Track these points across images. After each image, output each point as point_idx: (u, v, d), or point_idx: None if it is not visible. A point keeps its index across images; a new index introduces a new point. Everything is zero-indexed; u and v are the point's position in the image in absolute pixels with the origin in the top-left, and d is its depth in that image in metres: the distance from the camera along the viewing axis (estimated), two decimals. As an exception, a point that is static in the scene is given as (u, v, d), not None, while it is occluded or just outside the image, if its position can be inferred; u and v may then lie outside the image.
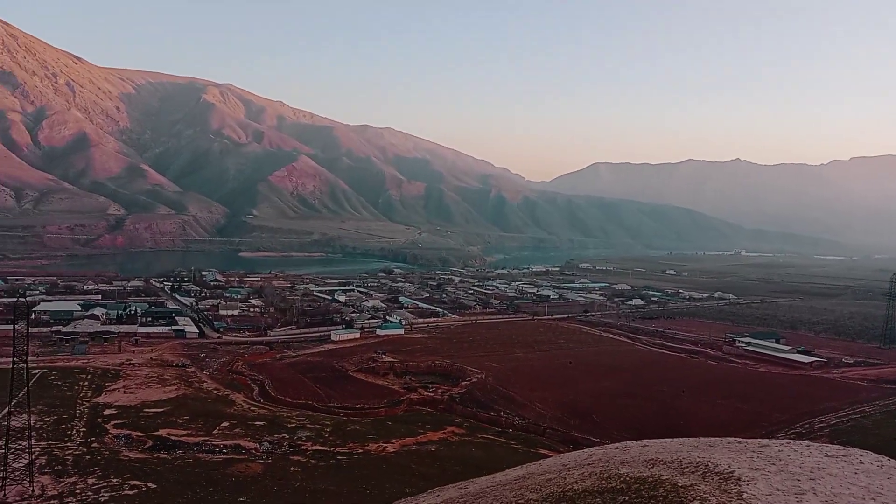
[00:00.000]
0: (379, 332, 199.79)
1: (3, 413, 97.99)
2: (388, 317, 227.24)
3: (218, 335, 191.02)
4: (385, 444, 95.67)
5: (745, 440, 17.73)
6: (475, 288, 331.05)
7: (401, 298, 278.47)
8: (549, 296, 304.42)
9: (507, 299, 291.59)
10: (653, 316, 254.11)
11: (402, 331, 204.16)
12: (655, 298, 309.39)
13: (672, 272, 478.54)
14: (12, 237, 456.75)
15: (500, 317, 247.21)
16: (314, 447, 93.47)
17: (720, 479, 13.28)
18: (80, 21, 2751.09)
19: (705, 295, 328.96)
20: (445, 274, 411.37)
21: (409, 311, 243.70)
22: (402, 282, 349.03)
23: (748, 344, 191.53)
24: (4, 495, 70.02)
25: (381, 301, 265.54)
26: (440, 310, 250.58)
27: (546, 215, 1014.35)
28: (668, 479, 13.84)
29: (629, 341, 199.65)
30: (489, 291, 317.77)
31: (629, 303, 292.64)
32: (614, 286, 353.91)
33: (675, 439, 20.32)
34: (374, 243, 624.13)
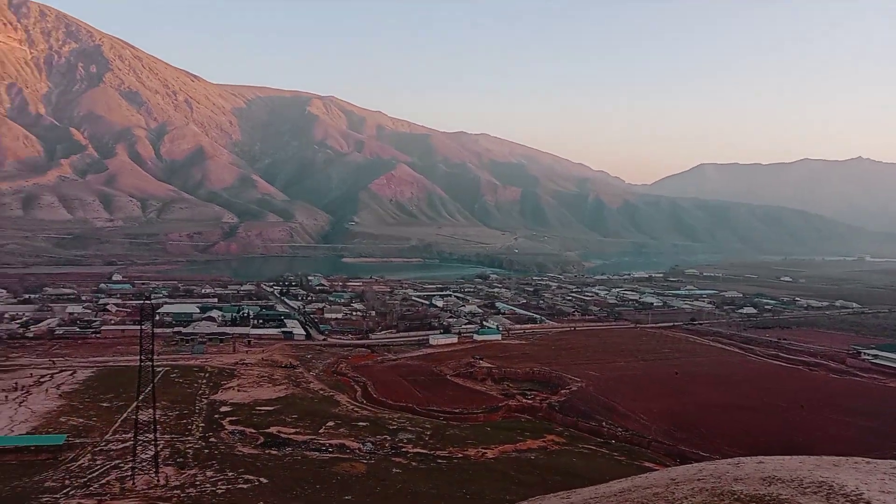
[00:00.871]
0: (476, 337, 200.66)
1: (131, 407, 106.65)
2: (484, 322, 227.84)
3: (323, 337, 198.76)
4: (484, 450, 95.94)
5: (874, 460, 16.52)
6: (573, 294, 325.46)
7: (497, 304, 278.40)
8: (652, 303, 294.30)
9: (607, 306, 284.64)
10: (767, 325, 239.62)
11: (499, 336, 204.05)
12: (769, 307, 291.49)
13: (788, 279, 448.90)
14: (138, 244, 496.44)
15: (600, 324, 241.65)
16: (415, 449, 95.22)
17: (847, 501, 12.47)
18: (197, 41, 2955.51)
19: (825, 303, 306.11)
20: (542, 280, 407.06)
21: (505, 317, 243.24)
22: (498, 287, 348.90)
23: (875, 356, 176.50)
24: (133, 484, 76.11)
25: (478, 306, 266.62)
26: (537, 316, 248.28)
27: (648, 219, 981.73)
28: (788, 498, 13.14)
29: (741, 352, 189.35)
30: (588, 298, 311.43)
31: (740, 311, 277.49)
32: (723, 293, 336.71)
33: (794, 457, 19.23)
34: (469, 249, 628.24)
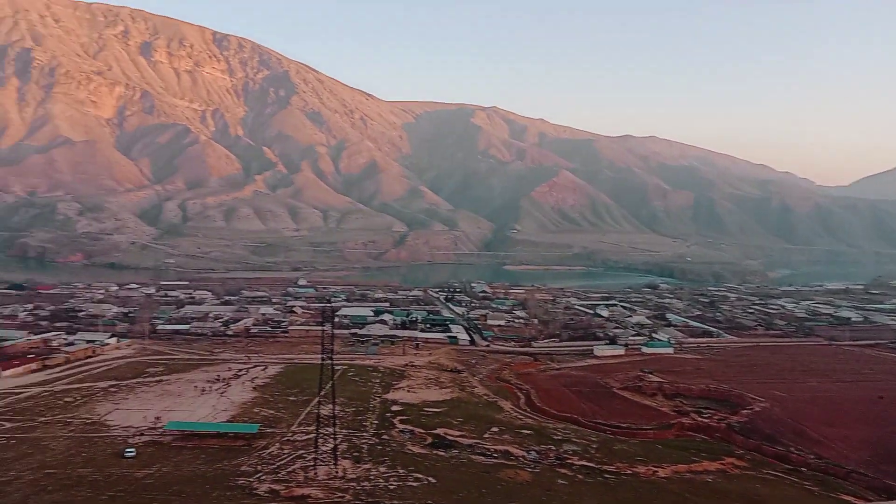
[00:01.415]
0: (644, 349, 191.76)
1: (314, 402, 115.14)
2: (654, 334, 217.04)
3: (486, 343, 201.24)
4: (655, 468, 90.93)
5: None
6: (755, 306, 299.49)
7: (668, 315, 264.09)
8: (850, 318, 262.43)
9: (795, 320, 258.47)
10: None
11: (670, 350, 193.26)
12: None
13: None
14: (320, 251, 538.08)
15: (788, 340, 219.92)
16: (580, 462, 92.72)
17: None
18: (371, 62, 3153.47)
19: None
20: (719, 290, 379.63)
21: (677, 329, 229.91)
22: (668, 298, 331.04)
23: None
24: (315, 474, 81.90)
25: (646, 317, 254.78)
26: (714, 329, 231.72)
27: (844, 224, 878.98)
28: None
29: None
30: (773, 311, 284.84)
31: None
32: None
33: None
34: (637, 257, 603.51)
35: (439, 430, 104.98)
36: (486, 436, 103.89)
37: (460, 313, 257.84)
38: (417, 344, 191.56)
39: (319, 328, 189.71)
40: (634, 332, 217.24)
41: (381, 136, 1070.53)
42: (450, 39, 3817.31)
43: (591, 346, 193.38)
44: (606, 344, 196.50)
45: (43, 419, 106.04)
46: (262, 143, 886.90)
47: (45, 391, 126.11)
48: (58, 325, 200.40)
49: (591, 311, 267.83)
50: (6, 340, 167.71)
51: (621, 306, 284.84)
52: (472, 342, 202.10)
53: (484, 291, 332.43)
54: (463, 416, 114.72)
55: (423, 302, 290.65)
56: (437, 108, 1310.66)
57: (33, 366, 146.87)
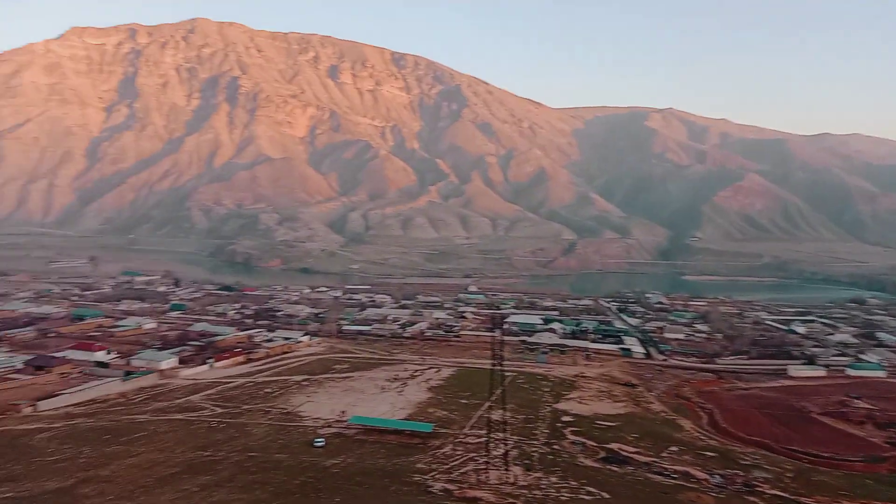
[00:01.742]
0: (849, 371, 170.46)
1: (485, 406, 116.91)
2: (861, 355, 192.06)
3: (663, 358, 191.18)
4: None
5: None
6: None
7: (878, 334, 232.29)
8: None
9: None
10: None
11: (881, 373, 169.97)
12: None
13: None
14: (489, 259, 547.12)
15: None
16: (772, 491, 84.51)
17: None
18: (539, 71, 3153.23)
19: None
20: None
21: (890, 351, 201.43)
22: (879, 314, 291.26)
23: None
24: (487, 477, 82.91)
25: (852, 336, 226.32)
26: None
27: None
28: None
29: None
30: None
31: None
32: None
33: None
34: (839, 268, 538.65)
35: (613, 445, 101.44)
36: (663, 455, 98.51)
37: (634, 325, 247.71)
38: (588, 354, 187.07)
39: (489, 334, 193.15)
40: (837, 352, 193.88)
41: (550, 143, 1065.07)
42: (620, 42, 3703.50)
43: (785, 365, 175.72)
44: (803, 364, 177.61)
45: (247, 407, 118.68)
46: (436, 155, 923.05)
47: (249, 382, 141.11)
48: (260, 322, 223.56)
49: (784, 327, 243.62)
50: (218, 335, 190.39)
51: (821, 322, 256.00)
52: (648, 355, 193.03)
53: (660, 302, 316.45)
54: (638, 432, 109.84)
55: (594, 312, 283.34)
56: (608, 113, 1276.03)
57: (240, 358, 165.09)
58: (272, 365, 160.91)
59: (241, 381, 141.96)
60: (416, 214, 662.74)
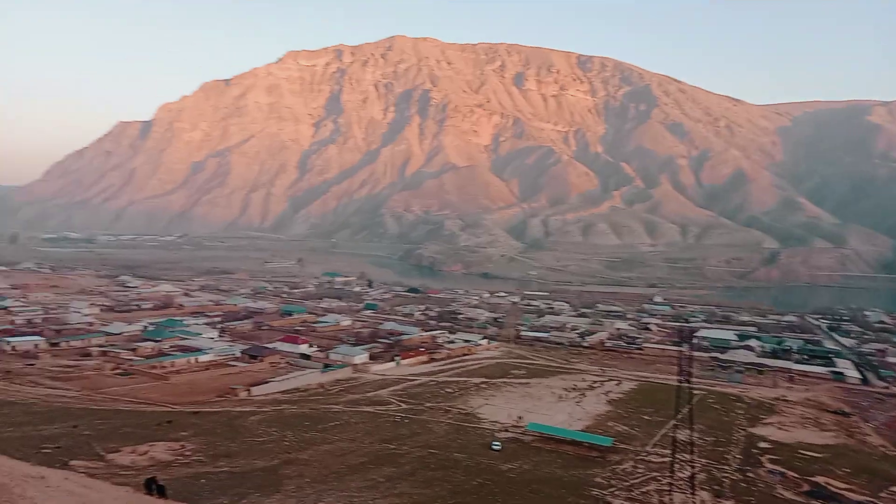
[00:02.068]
0: None
1: (669, 424, 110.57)
2: None
3: (884, 384, 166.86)
4: None
5: None
6: None
7: None
8: None
9: None
10: None
11: None
12: None
13: None
14: (677, 268, 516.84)
15: None
16: None
17: None
18: (739, 66, 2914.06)
19: None
20: None
21: None
22: None
23: None
24: (671, 499, 78.22)
25: None
26: None
27: None
28: None
29: None
30: None
31: None
32: None
33: None
34: None
35: (818, 478, 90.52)
36: (882, 494, 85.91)
37: (848, 346, 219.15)
38: (791, 376, 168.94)
39: (676, 348, 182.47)
40: None
41: (750, 143, 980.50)
42: (835, 29, 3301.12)
43: None
44: None
45: (429, 405, 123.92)
46: (621, 158, 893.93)
47: (431, 381, 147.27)
48: (442, 324, 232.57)
49: None
50: (405, 334, 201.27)
51: None
52: (865, 381, 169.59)
53: (881, 321, 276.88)
54: (850, 467, 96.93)
55: (799, 329, 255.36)
56: (819, 108, 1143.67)
57: (423, 358, 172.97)
58: (453, 366, 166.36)
59: (425, 379, 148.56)
60: (597, 220, 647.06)
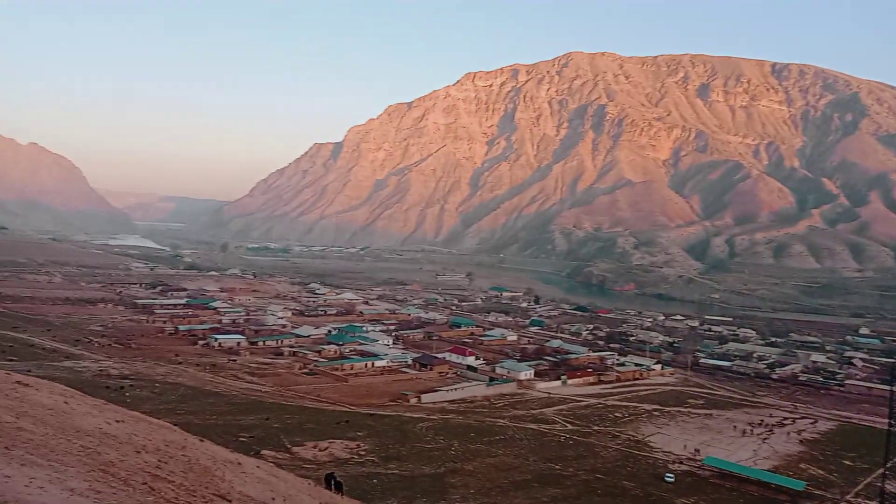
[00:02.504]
0: None
1: (877, 473, 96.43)
2: None
3: None
4: None
5: None
6: None
7: None
8: None
9: None
10: None
11: None
12: None
13: None
14: (889, 296, 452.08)
15: None
16: None
17: None
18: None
19: None
20: None
21: None
22: None
23: None
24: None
25: None
26: None
27: None
28: None
29: None
30: None
31: None
32: None
33: None
34: None
35: None
36: None
37: None
38: None
39: (886, 387, 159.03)
40: None
41: None
42: None
43: None
44: None
45: (596, 427, 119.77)
46: (821, 173, 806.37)
47: (599, 403, 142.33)
48: (612, 346, 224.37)
49: None
50: (571, 354, 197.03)
51: None
52: None
53: None
54: None
55: None
56: None
57: (591, 378, 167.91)
58: (622, 389, 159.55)
59: (592, 401, 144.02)
60: (792, 241, 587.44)
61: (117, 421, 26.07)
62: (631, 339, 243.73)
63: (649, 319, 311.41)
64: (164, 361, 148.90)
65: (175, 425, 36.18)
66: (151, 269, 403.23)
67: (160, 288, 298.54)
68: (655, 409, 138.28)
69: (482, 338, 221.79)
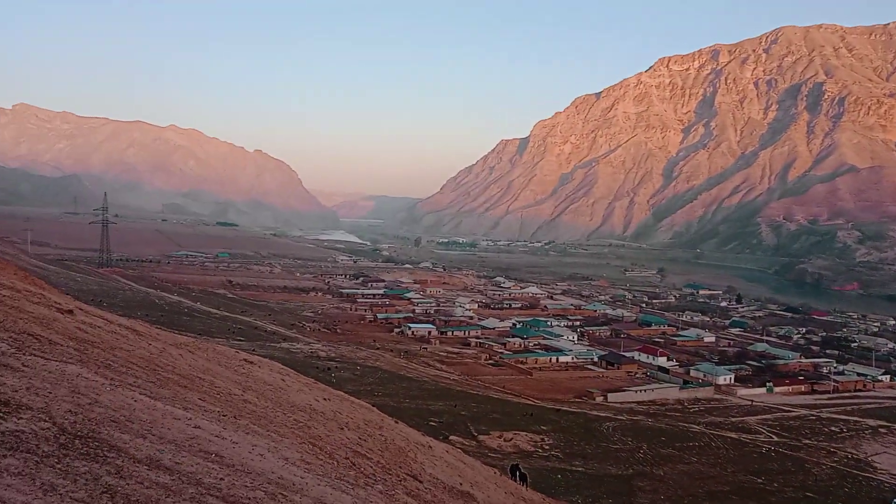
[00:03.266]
0: None
1: None
2: None
3: None
4: None
5: None
6: None
7: None
8: None
9: None
10: None
11: None
12: None
13: None
14: None
15: None
16: None
17: None
18: None
19: None
20: None
21: None
22: None
23: None
24: None
25: None
26: None
27: None
28: None
29: None
30: None
31: None
32: None
33: None
34: None
35: None
36: None
37: None
38: None
39: None
40: None
41: None
42: None
43: None
44: None
45: (807, 441, 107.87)
46: None
47: (811, 415, 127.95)
48: (828, 352, 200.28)
49: None
50: (779, 359, 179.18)
51: None
52: None
53: None
54: None
55: None
56: None
57: (802, 387, 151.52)
58: (841, 401, 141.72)
59: (803, 412, 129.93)
60: None
61: (325, 399, 28.84)
62: (853, 345, 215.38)
63: (876, 324, 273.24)
64: (364, 346, 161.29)
65: (373, 406, 39.11)
66: (354, 262, 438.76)
67: (361, 279, 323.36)
68: (882, 426, 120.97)
69: (675, 338, 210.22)
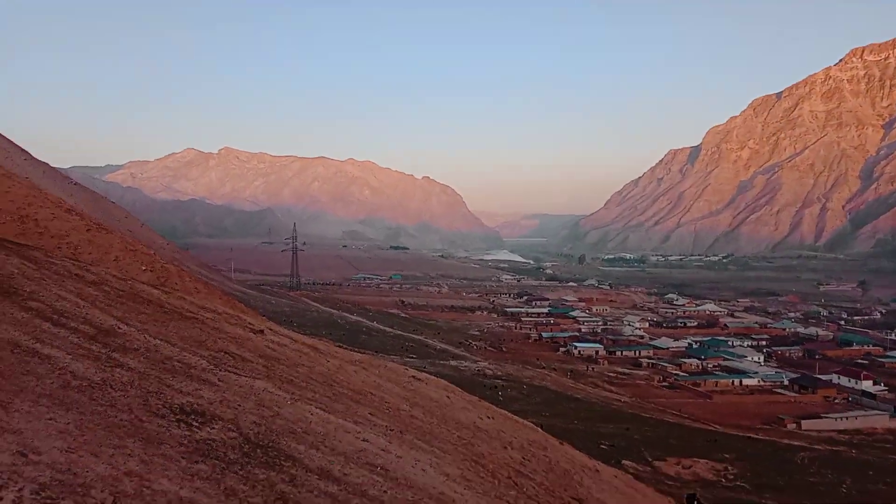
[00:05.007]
0: None
1: None
2: None
3: None
4: None
5: None
6: None
7: None
8: None
9: None
10: None
11: None
12: None
13: None
14: None
15: None
16: None
17: None
18: None
19: None
20: None
21: None
22: None
23: None
24: None
25: None
26: None
27: None
28: None
29: None
30: None
31: None
32: None
33: None
34: None
35: None
36: None
37: None
38: None
39: None
40: None
41: None
42: None
43: None
44: None
45: None
46: None
47: None
48: None
49: None
50: None
51: None
52: None
53: None
54: None
55: None
56: None
57: None
58: None
59: None
60: None
61: (488, 417, 29.19)
62: None
63: None
64: (529, 365, 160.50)
65: (541, 426, 38.79)
66: (518, 281, 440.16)
67: (525, 297, 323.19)
68: None
69: (882, 359, 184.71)
